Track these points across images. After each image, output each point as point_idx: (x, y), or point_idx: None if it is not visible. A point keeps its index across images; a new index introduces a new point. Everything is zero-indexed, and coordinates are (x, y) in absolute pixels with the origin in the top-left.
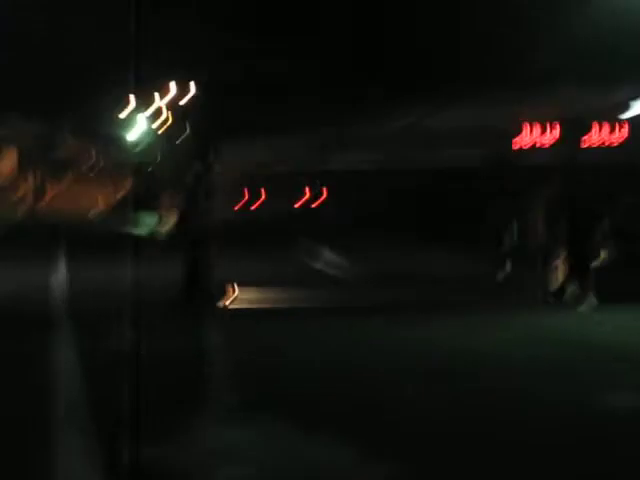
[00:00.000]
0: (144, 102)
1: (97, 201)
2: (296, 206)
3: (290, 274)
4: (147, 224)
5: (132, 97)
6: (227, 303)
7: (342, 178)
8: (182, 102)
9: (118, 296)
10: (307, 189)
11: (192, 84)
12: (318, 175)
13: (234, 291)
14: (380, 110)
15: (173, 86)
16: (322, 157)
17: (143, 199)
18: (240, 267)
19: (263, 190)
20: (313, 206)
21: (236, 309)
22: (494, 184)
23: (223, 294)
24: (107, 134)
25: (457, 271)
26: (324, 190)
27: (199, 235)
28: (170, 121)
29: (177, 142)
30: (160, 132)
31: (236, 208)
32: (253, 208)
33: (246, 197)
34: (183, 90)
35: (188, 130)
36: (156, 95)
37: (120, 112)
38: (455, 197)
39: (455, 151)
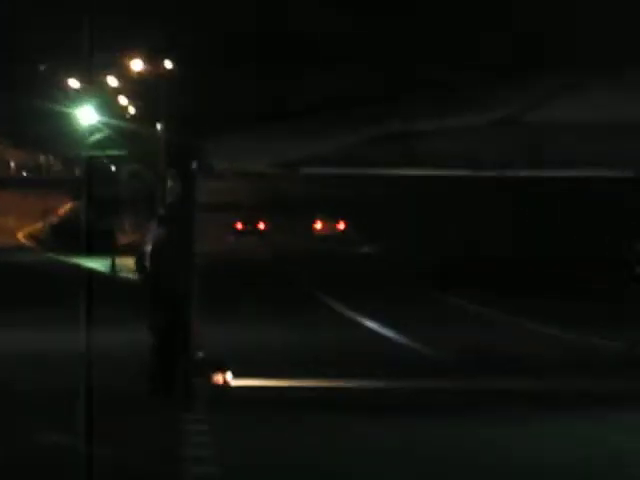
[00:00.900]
0: (94, 83)
1: (17, 227)
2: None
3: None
4: (98, 262)
5: (78, 75)
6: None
7: (403, 191)
8: (150, 81)
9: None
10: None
11: (166, 57)
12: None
13: (224, 375)
14: (464, 99)
15: (137, 61)
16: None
17: (91, 223)
18: (239, 335)
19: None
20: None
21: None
22: None
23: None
24: (37, 129)
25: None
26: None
27: (177, 283)
28: (133, 109)
29: (143, 140)
30: (117, 124)
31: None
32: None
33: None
34: (153, 65)
35: (160, 124)
36: (111, 73)
37: (59, 97)
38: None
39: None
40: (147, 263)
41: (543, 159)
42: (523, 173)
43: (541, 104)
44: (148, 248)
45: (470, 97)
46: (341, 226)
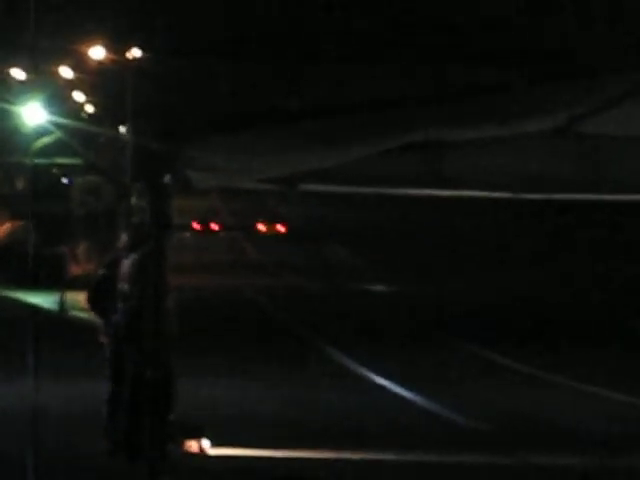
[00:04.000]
0: (42, 74)
1: None
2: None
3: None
4: (43, 298)
5: (21, 64)
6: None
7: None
8: (113, 73)
9: None
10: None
11: (133, 43)
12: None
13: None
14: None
15: (97, 47)
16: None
17: (37, 249)
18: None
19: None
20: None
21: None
22: None
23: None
24: None
25: None
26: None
27: (157, 324)
28: (91, 107)
29: (103, 146)
30: (71, 125)
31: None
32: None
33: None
34: (117, 52)
35: (125, 126)
36: (66, 62)
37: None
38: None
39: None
40: (121, 302)
41: (602, 179)
42: (579, 196)
43: (600, 112)
44: (124, 285)
45: (514, 101)
46: (281, 228)
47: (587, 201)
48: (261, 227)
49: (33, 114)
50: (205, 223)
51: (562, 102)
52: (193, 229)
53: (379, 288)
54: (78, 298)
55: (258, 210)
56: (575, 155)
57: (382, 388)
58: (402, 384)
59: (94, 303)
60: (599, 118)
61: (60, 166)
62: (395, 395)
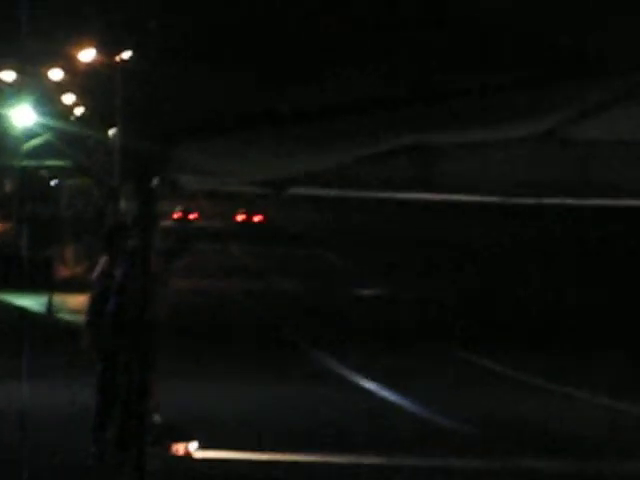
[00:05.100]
0: (32, 76)
1: None
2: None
3: None
4: (32, 300)
5: (11, 66)
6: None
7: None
8: (103, 75)
9: None
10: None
11: (124, 46)
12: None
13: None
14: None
15: (87, 50)
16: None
17: (25, 251)
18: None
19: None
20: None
21: None
22: None
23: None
24: None
25: None
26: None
27: (139, 328)
28: (80, 110)
29: (92, 148)
30: (60, 127)
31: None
32: None
33: None
34: (107, 55)
35: (114, 128)
36: (55, 63)
37: None
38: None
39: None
40: (110, 305)
41: (590, 183)
42: (566, 201)
43: (587, 117)
44: (113, 286)
45: (502, 105)
46: (259, 219)
47: (576, 206)
48: (239, 217)
49: (22, 116)
50: (185, 215)
51: (550, 106)
52: (172, 219)
53: (368, 292)
54: (66, 300)
55: (239, 206)
56: (563, 159)
57: (369, 391)
58: (389, 388)
59: (93, 316)
60: (587, 122)
61: (49, 168)
62: (381, 399)
